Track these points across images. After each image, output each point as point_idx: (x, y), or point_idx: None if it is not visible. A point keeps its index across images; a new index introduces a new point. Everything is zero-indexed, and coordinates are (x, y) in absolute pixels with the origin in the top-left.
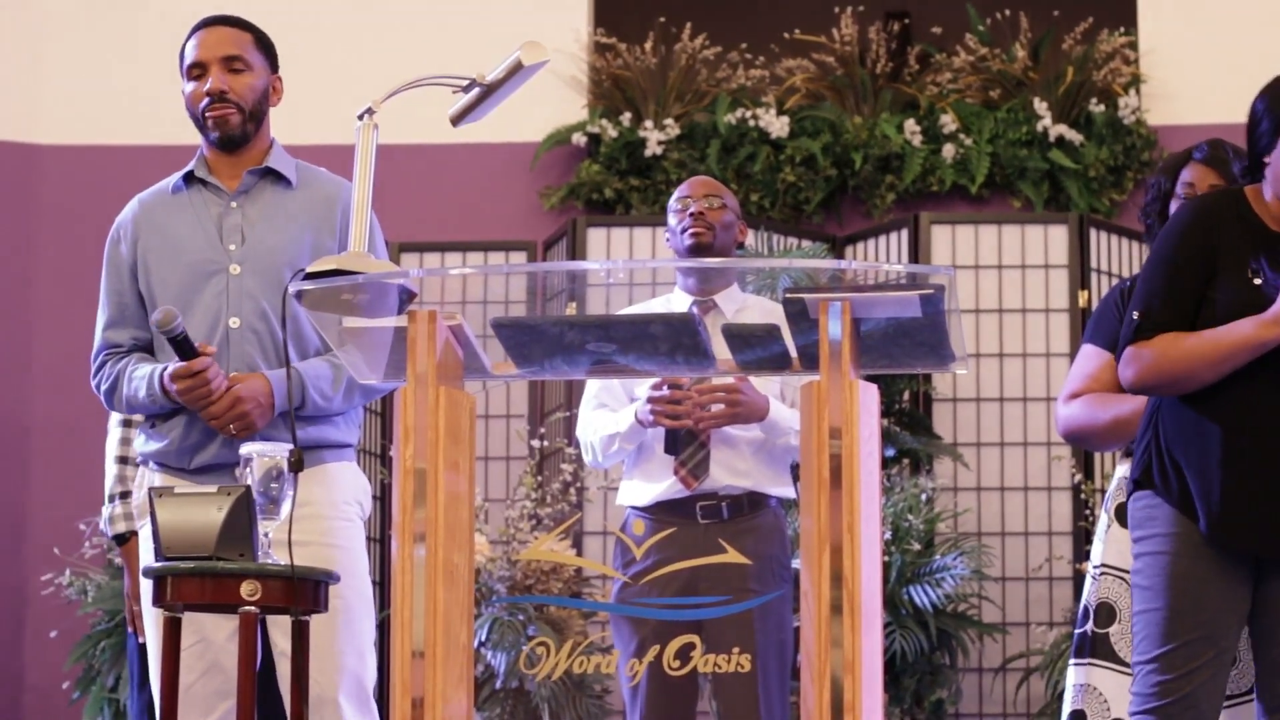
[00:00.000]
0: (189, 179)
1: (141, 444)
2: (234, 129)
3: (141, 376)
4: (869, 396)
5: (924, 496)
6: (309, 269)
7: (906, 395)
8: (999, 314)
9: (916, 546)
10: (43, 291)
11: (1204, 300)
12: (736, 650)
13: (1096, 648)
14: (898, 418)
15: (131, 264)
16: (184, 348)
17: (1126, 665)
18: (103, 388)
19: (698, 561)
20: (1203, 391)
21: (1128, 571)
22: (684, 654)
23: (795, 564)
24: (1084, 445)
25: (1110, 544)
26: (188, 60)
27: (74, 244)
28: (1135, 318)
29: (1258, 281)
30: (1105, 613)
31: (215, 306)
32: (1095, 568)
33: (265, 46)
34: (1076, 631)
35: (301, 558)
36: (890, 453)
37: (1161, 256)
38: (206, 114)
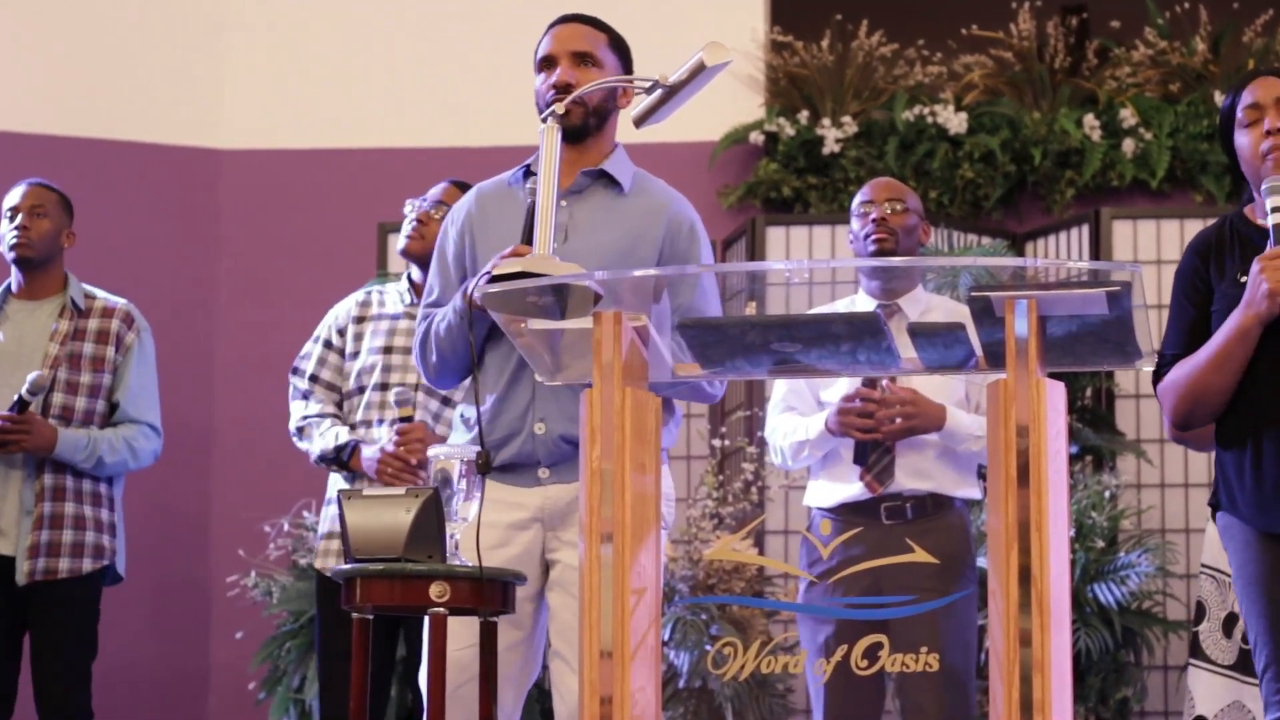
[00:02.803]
0: (527, 173)
1: (456, 437)
2: (574, 121)
3: (451, 304)
4: (1055, 394)
5: (1108, 494)
6: (495, 272)
7: (1089, 392)
8: None
9: (1100, 544)
10: (224, 295)
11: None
12: (925, 650)
13: (1193, 646)
14: (1080, 414)
15: (459, 250)
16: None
17: (1213, 663)
18: (415, 340)
19: (883, 561)
20: (1235, 406)
21: (1216, 570)
22: (872, 653)
23: (980, 563)
24: (1188, 445)
25: (1207, 543)
26: (540, 54)
27: (254, 248)
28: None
29: (1244, 279)
30: (1198, 611)
31: None
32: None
33: (619, 48)
34: None
35: None
36: (1074, 450)
37: (1172, 299)
38: (551, 105)
